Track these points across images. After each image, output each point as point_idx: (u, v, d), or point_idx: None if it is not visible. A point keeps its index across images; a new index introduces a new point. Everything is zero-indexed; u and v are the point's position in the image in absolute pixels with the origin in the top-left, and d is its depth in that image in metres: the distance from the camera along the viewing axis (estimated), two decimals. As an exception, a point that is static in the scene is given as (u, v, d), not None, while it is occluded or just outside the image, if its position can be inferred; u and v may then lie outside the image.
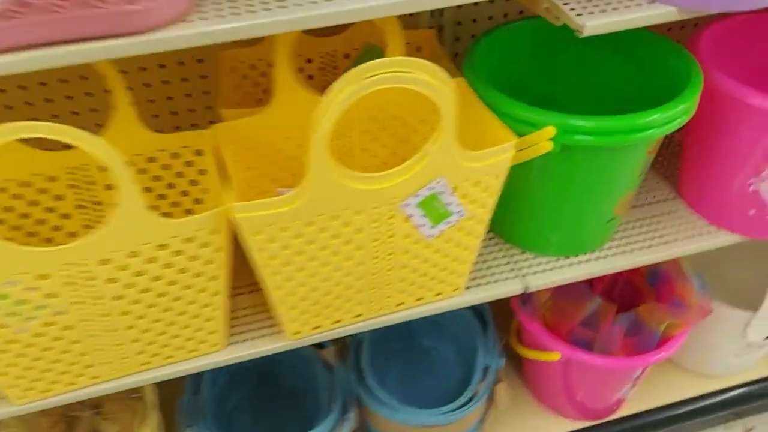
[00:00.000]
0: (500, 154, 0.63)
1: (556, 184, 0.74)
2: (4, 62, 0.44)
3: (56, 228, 0.70)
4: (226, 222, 0.58)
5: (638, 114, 0.65)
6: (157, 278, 0.58)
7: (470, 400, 0.97)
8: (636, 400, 1.16)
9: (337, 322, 0.73)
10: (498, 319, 1.05)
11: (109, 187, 0.69)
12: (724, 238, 0.84)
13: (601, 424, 1.15)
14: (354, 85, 0.50)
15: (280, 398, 1.10)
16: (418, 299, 0.75)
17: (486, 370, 1.00)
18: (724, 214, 0.84)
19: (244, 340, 0.73)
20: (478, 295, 0.78)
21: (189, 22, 0.47)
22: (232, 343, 0.72)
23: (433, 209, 0.64)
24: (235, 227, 0.57)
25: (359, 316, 0.74)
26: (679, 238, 0.84)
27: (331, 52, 0.81)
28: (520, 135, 0.66)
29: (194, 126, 0.85)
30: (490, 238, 0.85)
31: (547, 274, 0.80)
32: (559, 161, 0.70)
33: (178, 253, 0.57)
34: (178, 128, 0.84)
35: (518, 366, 1.17)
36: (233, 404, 1.08)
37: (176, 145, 0.67)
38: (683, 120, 0.68)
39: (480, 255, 0.82)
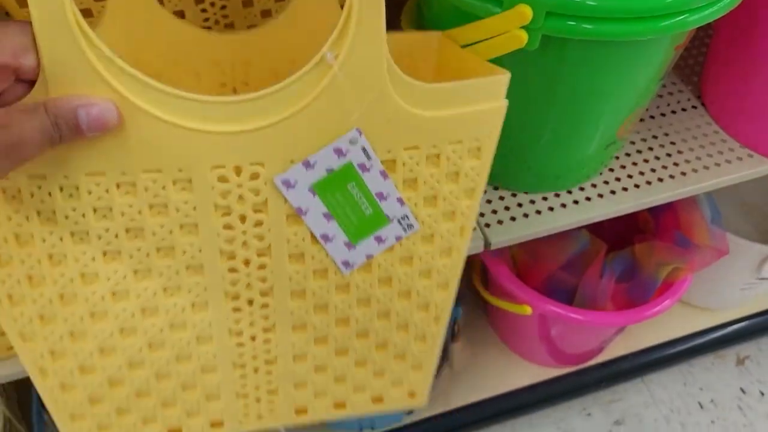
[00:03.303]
0: (483, 93, 0.36)
1: (532, 95, 0.48)
2: None
3: None
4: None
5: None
6: None
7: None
8: (620, 341, 0.96)
9: None
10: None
11: None
12: (761, 168, 0.60)
13: (581, 369, 0.96)
14: None
15: None
16: (338, 406, 0.48)
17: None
18: (764, 134, 0.59)
19: None
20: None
21: None
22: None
23: (348, 201, 0.36)
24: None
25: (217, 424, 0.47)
26: (699, 168, 0.60)
27: None
28: (483, 15, 0.40)
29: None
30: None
31: (518, 224, 0.56)
32: (537, 60, 0.44)
33: None
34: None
35: (483, 305, 0.96)
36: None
37: None
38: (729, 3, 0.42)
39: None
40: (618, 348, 0.96)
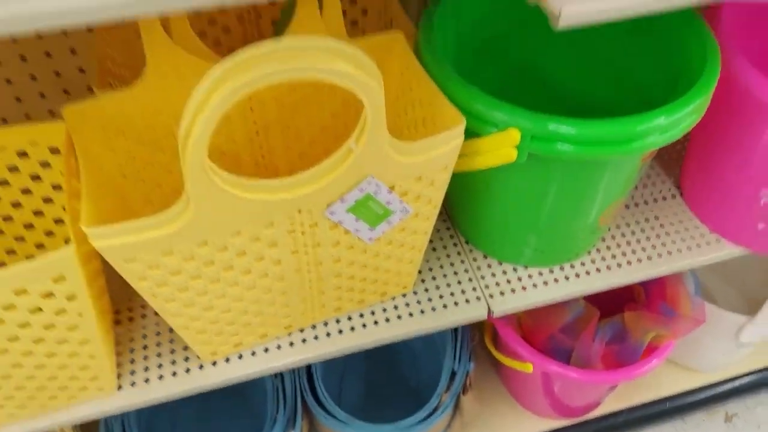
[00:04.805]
0: (444, 144, 0.49)
1: (524, 193, 0.59)
2: None
3: None
4: (77, 264, 0.43)
5: (633, 118, 0.50)
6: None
7: (433, 412, 0.85)
8: (616, 396, 1.05)
9: (264, 336, 0.62)
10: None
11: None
12: (728, 251, 0.70)
13: (581, 422, 1.04)
14: (236, 81, 0.35)
15: (226, 403, 0.99)
16: (360, 302, 0.64)
17: (453, 374, 0.88)
18: (729, 223, 0.70)
19: (146, 380, 0.60)
20: (429, 323, 0.64)
21: None
22: (123, 387, 0.59)
23: (369, 211, 0.50)
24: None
25: (289, 327, 0.62)
26: (674, 250, 0.70)
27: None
28: (480, 133, 0.51)
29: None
30: (450, 236, 0.71)
31: (518, 295, 0.66)
32: (526, 170, 0.55)
33: (7, 307, 0.43)
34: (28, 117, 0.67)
35: (493, 362, 1.05)
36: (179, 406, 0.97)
37: (21, 141, 0.51)
38: (692, 122, 0.53)
39: (438, 260, 0.69)
40: (615, 403, 1.05)
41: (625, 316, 0.85)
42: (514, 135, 0.50)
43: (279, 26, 0.62)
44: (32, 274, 0.42)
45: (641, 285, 0.91)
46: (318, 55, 0.36)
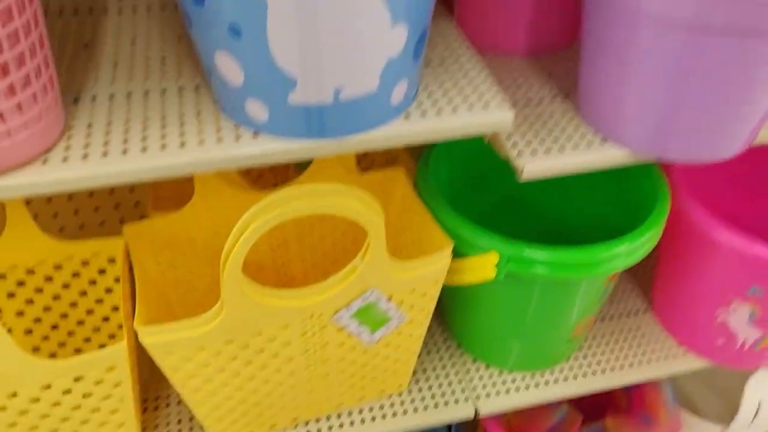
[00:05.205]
0: (435, 263, 0.58)
1: (504, 305, 0.68)
2: None
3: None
4: (126, 356, 0.52)
5: (597, 246, 0.60)
6: (45, 417, 0.53)
7: None
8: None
9: (273, 427, 0.69)
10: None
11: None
12: (692, 364, 0.78)
13: None
14: (272, 213, 0.45)
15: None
16: (360, 398, 0.72)
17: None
18: (693, 337, 0.78)
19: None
20: (422, 420, 0.72)
21: (46, 164, 0.40)
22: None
23: (370, 317, 0.59)
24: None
25: (296, 419, 0.70)
26: (644, 361, 0.78)
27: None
28: (465, 254, 0.61)
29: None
30: (443, 341, 0.80)
31: (501, 398, 0.74)
32: (507, 286, 0.64)
33: (66, 391, 0.52)
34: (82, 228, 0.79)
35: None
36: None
37: (85, 253, 0.62)
38: (648, 248, 0.63)
39: (431, 362, 0.77)
40: None
41: (606, 422, 0.92)
42: (493, 257, 0.60)
43: (300, 163, 0.74)
44: (91, 364, 0.51)
45: (624, 391, 0.98)
46: (335, 198, 0.47)
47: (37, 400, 0.50)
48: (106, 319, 0.66)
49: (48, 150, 0.40)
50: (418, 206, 0.65)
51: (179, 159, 0.41)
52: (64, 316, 0.64)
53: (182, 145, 0.42)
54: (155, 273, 0.62)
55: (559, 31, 0.66)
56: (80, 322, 0.65)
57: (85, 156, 0.40)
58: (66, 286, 0.63)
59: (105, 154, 0.40)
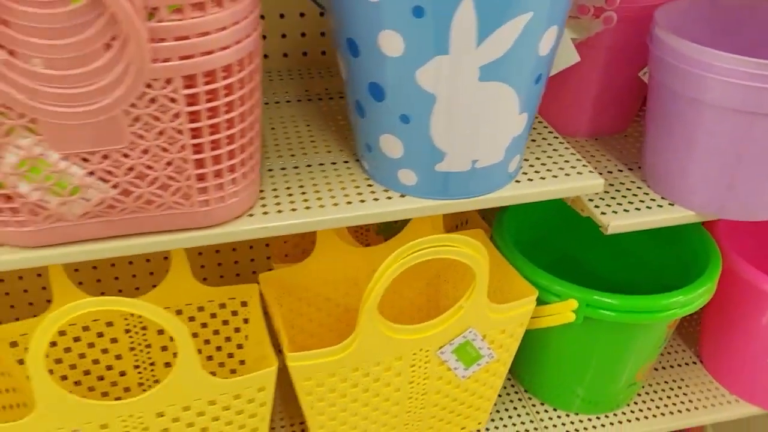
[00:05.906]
0: (524, 306, 0.69)
1: (577, 349, 0.78)
2: (115, 246, 0.51)
3: (109, 368, 0.75)
4: (274, 379, 0.62)
5: (661, 295, 0.70)
6: (204, 430, 0.62)
7: None
8: None
9: None
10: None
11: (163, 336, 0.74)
12: (745, 410, 0.86)
13: None
14: (405, 258, 0.56)
15: None
16: None
17: None
18: (745, 385, 0.86)
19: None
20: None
21: (252, 216, 0.53)
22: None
23: (466, 354, 0.69)
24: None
25: None
26: (699, 407, 0.86)
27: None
28: (543, 301, 0.71)
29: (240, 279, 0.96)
30: (511, 386, 0.88)
31: (568, 437, 0.82)
32: (579, 329, 0.74)
33: (226, 407, 0.61)
34: (222, 278, 0.94)
35: None
36: None
37: (224, 297, 0.73)
38: (704, 301, 0.73)
39: (503, 404, 0.85)
40: None
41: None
42: (572, 303, 0.70)
43: (384, 229, 0.87)
44: (247, 384, 0.60)
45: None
46: (454, 245, 0.58)
47: (202, 413, 0.60)
48: (230, 355, 0.76)
49: (251, 207, 0.53)
50: (498, 260, 0.76)
51: (349, 213, 0.53)
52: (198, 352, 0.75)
53: (349, 203, 0.54)
54: (277, 315, 0.73)
55: (615, 117, 0.79)
56: (209, 358, 0.75)
57: (279, 212, 0.52)
58: (204, 325, 0.73)
59: (293, 209, 0.53)
